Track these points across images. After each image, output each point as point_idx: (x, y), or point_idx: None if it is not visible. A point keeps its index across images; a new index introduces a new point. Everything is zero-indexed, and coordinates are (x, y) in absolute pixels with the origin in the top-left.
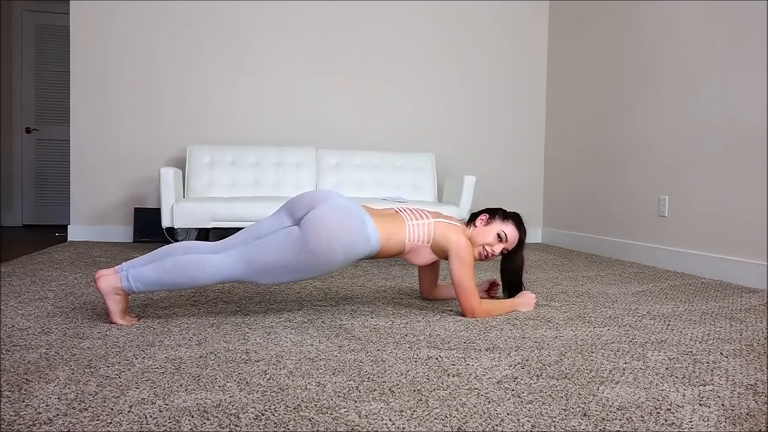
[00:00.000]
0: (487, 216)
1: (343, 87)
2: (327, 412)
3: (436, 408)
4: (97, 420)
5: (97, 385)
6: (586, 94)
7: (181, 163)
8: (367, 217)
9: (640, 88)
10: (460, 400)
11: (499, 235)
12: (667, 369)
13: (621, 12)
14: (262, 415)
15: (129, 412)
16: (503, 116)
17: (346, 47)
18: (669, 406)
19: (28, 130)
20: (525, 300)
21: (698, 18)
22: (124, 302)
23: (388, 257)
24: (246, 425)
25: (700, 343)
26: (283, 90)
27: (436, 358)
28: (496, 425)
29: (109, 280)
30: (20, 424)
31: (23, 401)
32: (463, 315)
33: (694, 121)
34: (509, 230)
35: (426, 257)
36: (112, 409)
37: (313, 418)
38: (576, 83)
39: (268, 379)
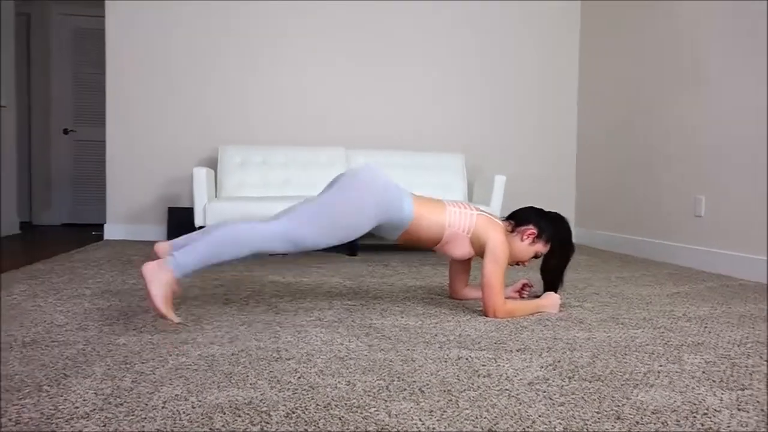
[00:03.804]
0: (535, 235)
1: (373, 87)
2: (357, 411)
3: (467, 409)
4: (132, 415)
5: (132, 381)
6: (619, 91)
7: (213, 164)
8: (405, 192)
9: (675, 86)
10: (491, 401)
11: (536, 256)
12: (703, 372)
13: (656, 8)
14: (293, 413)
15: (163, 407)
16: (534, 115)
17: (376, 48)
18: (706, 411)
19: (65, 131)
20: (549, 301)
21: (737, 14)
22: (168, 287)
23: (427, 244)
24: (277, 423)
25: (738, 346)
26: (313, 90)
27: (467, 359)
28: (527, 427)
29: (154, 263)
30: (58, 418)
31: (61, 396)
32: (484, 314)
33: (731, 118)
34: (546, 250)
35: (464, 250)
36: (146, 404)
37: (343, 416)
38: (609, 81)
39: (299, 378)
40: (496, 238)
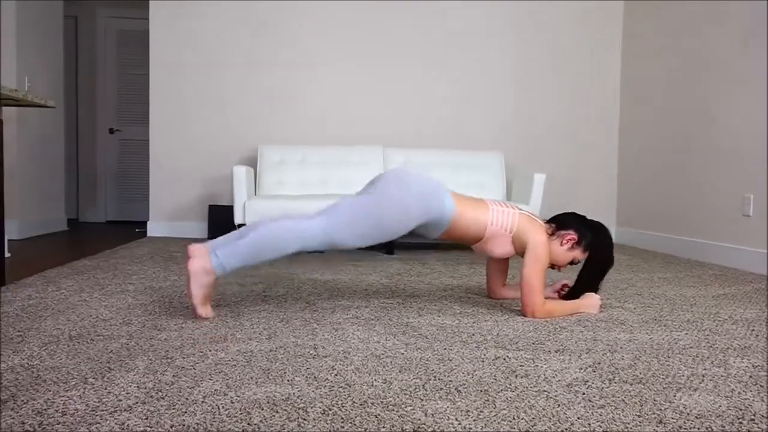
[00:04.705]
0: (575, 241)
1: (411, 86)
2: (393, 410)
3: (504, 409)
4: (173, 409)
5: (173, 376)
6: (663, 87)
7: (252, 162)
8: (446, 190)
9: (722, 82)
10: (528, 402)
11: (572, 262)
12: (750, 377)
13: (700, 6)
14: (330, 410)
15: (203, 402)
16: (574, 112)
17: (413, 47)
18: (752, 416)
19: (111, 131)
20: (589, 302)
21: None
22: (209, 288)
23: (468, 241)
24: (313, 419)
25: None
26: (350, 90)
27: (504, 359)
28: (566, 429)
29: (199, 260)
30: (103, 410)
31: (106, 388)
32: (522, 313)
33: None
34: (584, 258)
35: (505, 248)
36: (187, 399)
37: (379, 414)
38: (652, 77)
39: (336, 375)
40: (537, 238)
